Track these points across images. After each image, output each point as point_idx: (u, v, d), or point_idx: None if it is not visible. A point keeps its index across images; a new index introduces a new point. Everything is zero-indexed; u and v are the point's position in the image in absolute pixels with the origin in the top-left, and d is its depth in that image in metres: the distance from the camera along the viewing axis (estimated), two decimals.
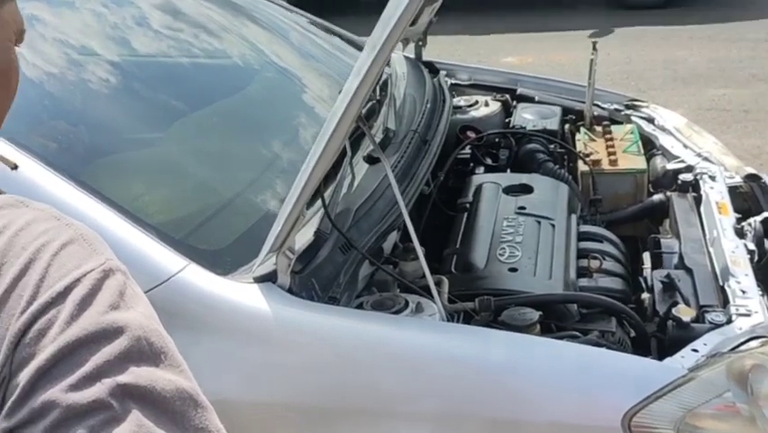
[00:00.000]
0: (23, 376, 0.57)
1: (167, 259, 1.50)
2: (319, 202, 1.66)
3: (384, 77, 2.21)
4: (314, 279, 1.57)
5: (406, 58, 2.54)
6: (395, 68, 2.39)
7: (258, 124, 2.24)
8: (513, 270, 1.82)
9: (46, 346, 0.58)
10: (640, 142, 2.42)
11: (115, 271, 0.63)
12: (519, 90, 2.64)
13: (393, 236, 1.85)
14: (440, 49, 2.68)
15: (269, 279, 1.51)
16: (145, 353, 0.59)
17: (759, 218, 2.01)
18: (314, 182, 1.46)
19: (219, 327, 1.50)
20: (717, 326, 1.60)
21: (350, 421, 1.46)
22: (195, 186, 1.90)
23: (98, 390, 0.57)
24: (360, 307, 1.61)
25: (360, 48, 2.63)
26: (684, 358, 1.46)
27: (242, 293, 1.50)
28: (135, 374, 0.58)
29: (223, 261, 1.57)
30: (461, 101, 2.56)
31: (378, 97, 2.08)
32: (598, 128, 2.50)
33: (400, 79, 2.35)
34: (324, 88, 2.51)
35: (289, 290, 1.52)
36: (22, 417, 0.56)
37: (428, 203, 2.12)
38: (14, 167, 1.14)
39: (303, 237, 1.60)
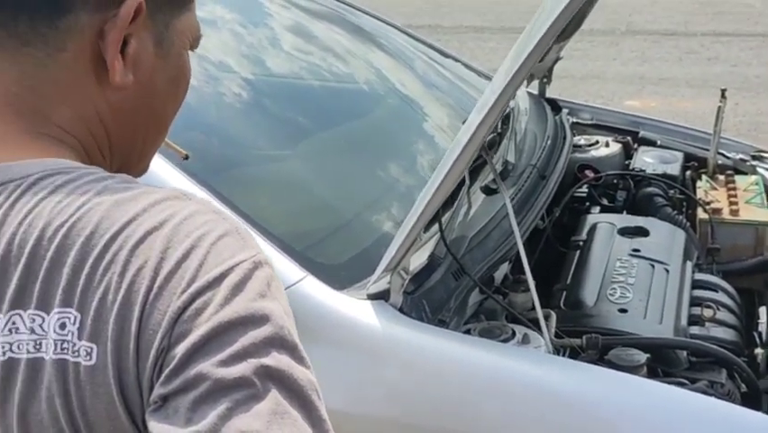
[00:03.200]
0: (180, 349, 0.64)
1: (287, 268, 1.57)
2: (435, 227, 1.70)
3: (507, 110, 2.25)
4: (425, 300, 1.61)
5: (530, 94, 2.57)
6: (518, 102, 2.42)
7: (379, 149, 2.30)
8: (623, 310, 1.81)
9: (201, 324, 0.64)
10: (764, 195, 2.37)
11: (264, 264, 0.69)
12: (641, 133, 2.62)
13: (504, 267, 1.88)
14: (561, 87, 2.70)
15: (381, 297, 1.56)
16: (285, 342, 0.65)
17: None
18: (433, 207, 1.51)
19: (331, 339, 1.55)
20: None
21: None
22: (317, 202, 1.98)
23: (244, 368, 0.63)
24: (467, 332, 1.64)
25: (483, 76, 2.68)
26: None
27: (355, 308, 1.55)
28: (276, 359, 0.64)
29: (339, 276, 1.63)
30: (581, 140, 2.56)
31: (499, 130, 2.12)
32: (721, 177, 2.46)
33: (522, 114, 2.38)
34: (444, 117, 2.56)
35: (401, 310, 1.56)
36: (176, 385, 0.63)
37: (541, 237, 2.13)
38: (186, 157, 1.22)
39: (417, 259, 1.65)
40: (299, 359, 0.66)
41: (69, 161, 0.75)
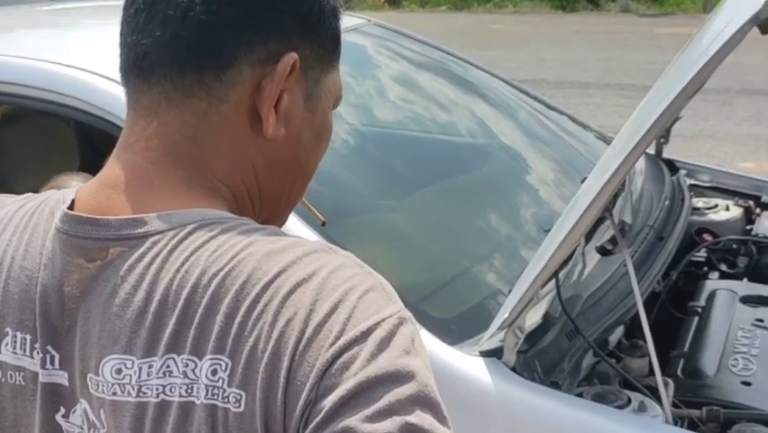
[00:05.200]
0: (327, 402, 0.64)
1: None
2: (548, 286, 1.67)
3: None
4: (537, 361, 1.57)
5: (646, 153, 2.51)
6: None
7: (485, 202, 2.29)
8: (746, 383, 1.73)
9: (349, 378, 0.64)
10: None
11: (408, 320, 0.69)
12: (764, 198, 2.53)
13: (619, 330, 1.82)
14: (672, 147, 2.63)
15: (494, 354, 1.53)
16: (429, 400, 0.65)
17: None
18: (552, 266, 1.48)
19: (442, 396, 1.53)
20: None
21: None
22: (428, 255, 1.97)
23: (390, 424, 0.63)
24: (580, 396, 1.59)
25: (589, 129, 2.64)
26: None
27: (467, 365, 1.53)
28: (420, 417, 0.63)
29: (450, 330, 1.61)
30: (699, 202, 2.49)
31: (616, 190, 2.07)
32: None
33: (638, 174, 2.33)
34: (549, 171, 2.54)
35: (513, 369, 1.53)
36: None
37: (656, 302, 2.07)
38: (323, 223, 1.25)
39: (532, 318, 1.61)
40: (442, 419, 0.66)
41: (223, 211, 0.77)
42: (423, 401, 0.64)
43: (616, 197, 2.10)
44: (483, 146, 2.65)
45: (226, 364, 0.67)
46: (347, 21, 2.63)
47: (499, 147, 2.64)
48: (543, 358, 1.58)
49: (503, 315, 1.51)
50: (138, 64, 0.77)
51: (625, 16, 11.50)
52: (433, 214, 2.18)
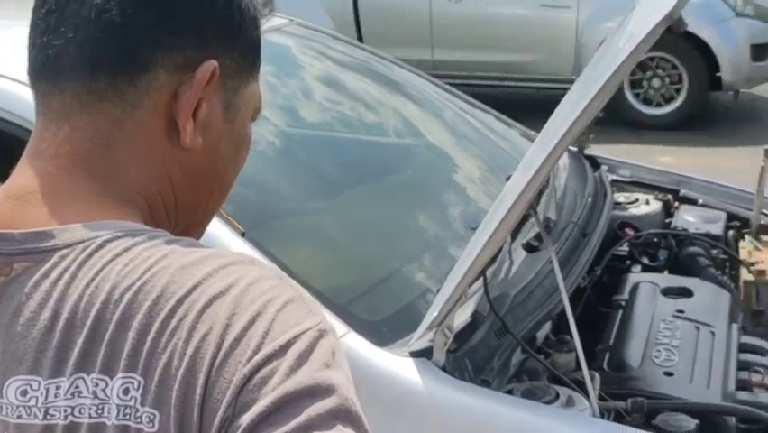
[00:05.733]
0: (245, 419, 0.62)
1: None
2: (476, 284, 1.68)
3: None
4: (467, 359, 1.58)
5: (569, 151, 2.55)
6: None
7: (416, 202, 2.29)
8: (668, 374, 1.77)
9: (267, 394, 0.63)
10: None
11: (328, 332, 0.68)
12: (682, 192, 2.60)
13: (546, 326, 1.84)
14: (597, 144, 2.68)
15: (424, 354, 1.54)
16: (350, 414, 0.64)
17: None
18: (479, 265, 1.49)
19: (371, 397, 1.51)
20: None
21: None
22: (356, 257, 1.97)
23: None
24: (510, 393, 1.60)
25: (512, 127, 2.68)
26: None
27: (397, 366, 1.53)
28: (341, 432, 0.62)
29: (380, 332, 1.61)
30: (620, 197, 2.54)
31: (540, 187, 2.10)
32: (765, 237, 2.42)
33: (561, 170, 2.36)
34: (475, 170, 2.56)
35: (443, 368, 1.53)
36: None
37: (582, 297, 2.10)
38: (243, 233, 1.22)
39: (460, 317, 1.62)
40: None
41: (136, 223, 0.74)
42: (344, 416, 0.63)
43: (540, 194, 2.13)
44: (410, 146, 2.66)
45: (139, 383, 0.65)
46: (269, 20, 2.61)
47: (426, 146, 2.65)
48: (472, 357, 1.59)
49: (432, 315, 1.52)
50: (48, 66, 0.75)
51: None
52: (361, 215, 2.17)
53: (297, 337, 0.65)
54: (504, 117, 2.81)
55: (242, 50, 0.79)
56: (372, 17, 6.82)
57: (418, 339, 1.54)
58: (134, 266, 0.69)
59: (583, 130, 2.52)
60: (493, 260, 1.79)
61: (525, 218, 1.85)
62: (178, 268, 0.68)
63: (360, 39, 6.53)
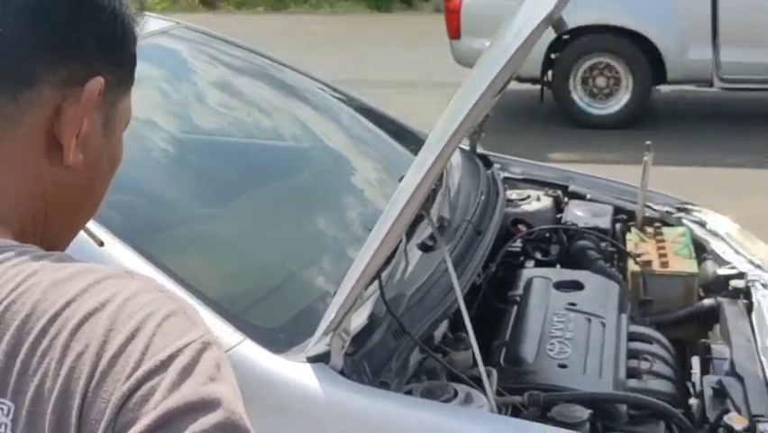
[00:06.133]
0: None
1: (223, 333, 1.52)
2: (372, 286, 1.68)
3: None
4: (366, 362, 1.58)
5: (461, 150, 2.58)
6: (450, 158, 2.44)
7: (313, 206, 2.28)
8: (562, 366, 1.81)
9: (148, 412, 0.60)
10: (692, 246, 2.42)
11: (213, 344, 0.66)
12: (571, 187, 2.67)
13: (444, 325, 1.86)
14: (490, 142, 2.73)
15: (322, 359, 1.53)
16: (237, 428, 0.62)
17: None
18: (373, 266, 1.49)
19: (270, 405, 1.50)
20: None
21: None
22: (252, 263, 1.94)
23: None
24: (409, 393, 1.61)
25: (412, 131, 2.70)
26: None
27: (294, 372, 1.51)
28: None
29: (277, 338, 1.59)
30: (513, 194, 2.59)
31: (434, 186, 2.12)
32: (650, 229, 2.51)
33: (455, 169, 2.39)
34: (372, 172, 2.57)
35: (341, 372, 1.53)
36: None
37: (477, 294, 2.13)
38: (101, 244, 1.19)
39: (357, 320, 1.62)
40: None
41: (5, 239, 0.71)
42: (231, 429, 0.61)
43: (435, 193, 2.15)
44: (306, 149, 2.64)
45: (9, 408, 0.62)
46: (154, 23, 2.56)
47: (322, 150, 2.64)
48: (371, 359, 1.59)
49: (328, 319, 1.51)
50: None
51: (439, 15, 11.84)
52: (257, 220, 2.15)
53: (179, 351, 0.63)
54: (399, 120, 2.82)
55: (123, 63, 0.78)
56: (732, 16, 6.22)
57: (315, 344, 1.53)
58: (1, 284, 0.65)
59: (473, 129, 2.57)
60: (389, 261, 1.79)
61: (420, 218, 1.87)
62: (49, 284, 0.65)
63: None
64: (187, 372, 0.62)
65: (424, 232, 1.93)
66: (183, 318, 0.66)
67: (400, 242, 1.84)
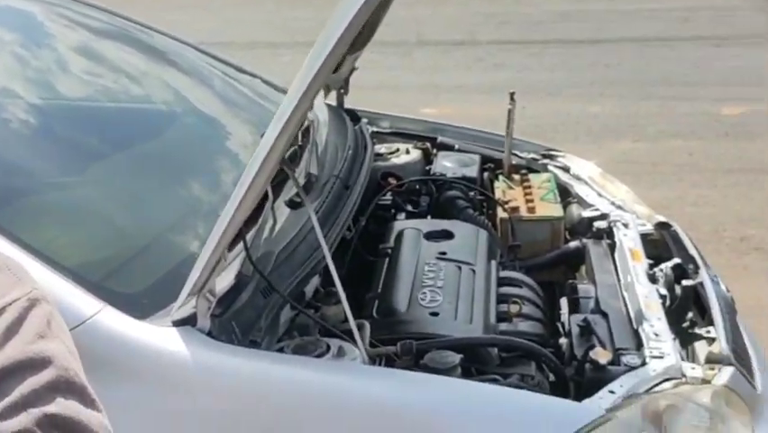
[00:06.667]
0: None
1: (81, 302, 1.46)
2: (240, 246, 1.65)
3: (306, 123, 2.23)
4: (234, 322, 1.55)
5: (328, 105, 2.56)
6: (317, 114, 2.41)
7: (178, 169, 2.22)
8: (434, 314, 1.83)
9: None
10: (557, 191, 2.48)
11: (41, 301, 0.62)
12: (439, 139, 2.68)
13: (315, 281, 1.85)
14: (358, 99, 2.72)
15: (188, 322, 1.49)
16: (72, 385, 0.59)
17: (670, 264, 2.08)
18: (235, 225, 1.45)
19: (136, 373, 1.46)
20: (632, 368, 1.64)
21: None
22: (113, 229, 1.87)
23: (24, 419, 0.56)
24: (281, 351, 1.59)
25: (281, 91, 2.65)
26: (602, 399, 1.49)
27: (160, 337, 1.47)
28: (62, 405, 0.58)
29: (140, 304, 1.54)
30: (382, 148, 2.58)
31: (300, 143, 2.08)
32: (516, 176, 2.56)
33: (322, 126, 2.36)
34: (245, 134, 2.51)
35: (209, 334, 1.49)
36: None
37: (349, 248, 2.12)
38: None
39: (223, 280, 1.58)
40: (89, 402, 0.60)
41: None
42: (64, 387, 0.59)
43: (302, 150, 2.12)
44: (171, 113, 2.56)
45: None
46: None
47: (188, 112, 2.56)
48: (239, 319, 1.56)
49: (192, 280, 1.47)
50: None
51: None
52: (118, 185, 2.06)
53: (3, 309, 0.60)
54: (271, 81, 2.76)
55: None
56: None
57: (180, 307, 1.49)
58: None
59: (339, 85, 2.54)
60: (256, 219, 1.76)
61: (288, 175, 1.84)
62: None
63: None
64: (12, 330, 0.59)
65: (292, 189, 1.91)
66: (6, 275, 0.63)
67: (267, 199, 1.81)
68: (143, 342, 1.46)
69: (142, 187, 2.07)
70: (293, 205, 1.86)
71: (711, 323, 1.84)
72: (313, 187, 1.95)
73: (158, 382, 1.46)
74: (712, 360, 1.69)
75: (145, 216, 1.94)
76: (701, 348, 1.81)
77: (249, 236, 1.68)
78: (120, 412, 1.42)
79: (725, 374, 1.62)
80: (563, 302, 2.11)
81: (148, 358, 1.46)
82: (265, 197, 1.78)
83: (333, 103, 2.60)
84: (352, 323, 1.56)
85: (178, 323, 1.48)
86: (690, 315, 2.00)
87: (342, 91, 2.57)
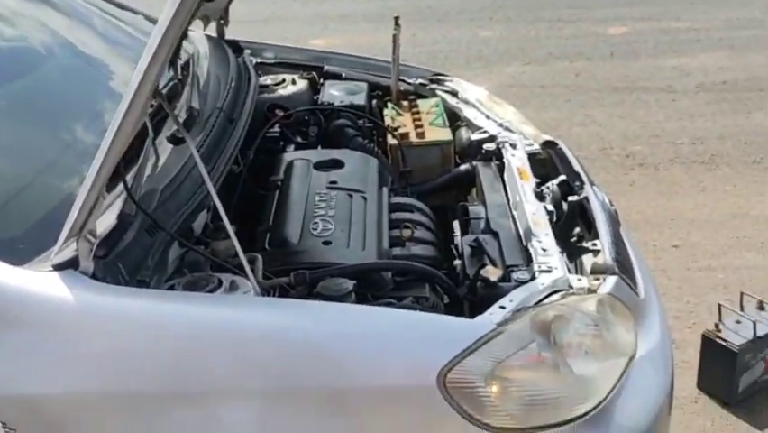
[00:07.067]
0: None
1: None
2: (121, 185, 1.59)
3: (186, 56, 2.15)
4: (120, 263, 1.50)
5: (208, 37, 2.48)
6: (197, 47, 2.33)
7: (55, 108, 2.11)
8: (327, 243, 1.82)
9: None
10: (445, 115, 2.49)
11: None
12: (326, 68, 2.64)
13: (203, 216, 1.81)
14: (245, 31, 2.64)
15: (70, 266, 1.43)
16: None
17: (556, 182, 2.13)
18: (111, 162, 1.39)
19: (19, 321, 1.40)
20: (521, 283, 1.67)
21: (173, 406, 1.42)
22: None
23: None
24: (171, 289, 1.56)
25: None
26: (493, 315, 1.52)
27: (40, 283, 1.41)
28: None
29: (18, 249, 1.48)
30: (267, 80, 2.53)
31: (180, 77, 2.01)
32: (405, 102, 2.55)
33: (203, 58, 2.29)
34: (127, 72, 2.41)
35: (94, 276, 1.44)
36: None
37: (239, 182, 2.08)
38: None
39: (106, 221, 1.53)
40: None
41: None
42: None
43: (182, 84, 2.05)
44: (50, 52, 2.42)
45: None
46: None
47: (68, 52, 2.43)
48: (125, 259, 1.52)
49: (70, 222, 1.41)
50: None
51: None
52: None
53: None
54: (154, 17, 2.65)
55: None
56: None
57: (60, 251, 1.43)
58: None
59: (219, 15, 2.46)
60: (137, 156, 1.70)
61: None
62: None
63: None
64: None
65: (174, 124, 1.85)
66: None
67: (147, 136, 1.75)
68: (23, 288, 1.40)
69: (16, 128, 1.97)
70: (175, 140, 1.81)
71: (597, 236, 1.89)
72: (195, 121, 1.90)
73: (42, 329, 1.41)
74: (597, 271, 1.74)
75: (20, 158, 1.84)
76: (588, 260, 1.86)
77: (130, 175, 1.62)
78: (9, 362, 1.39)
79: (609, 284, 1.67)
80: (455, 224, 2.13)
81: (32, 305, 1.41)
82: (146, 133, 1.72)
83: (214, 34, 2.52)
84: (242, 256, 1.53)
85: (60, 267, 1.43)
86: (576, 229, 2.06)
87: (221, 22, 2.50)
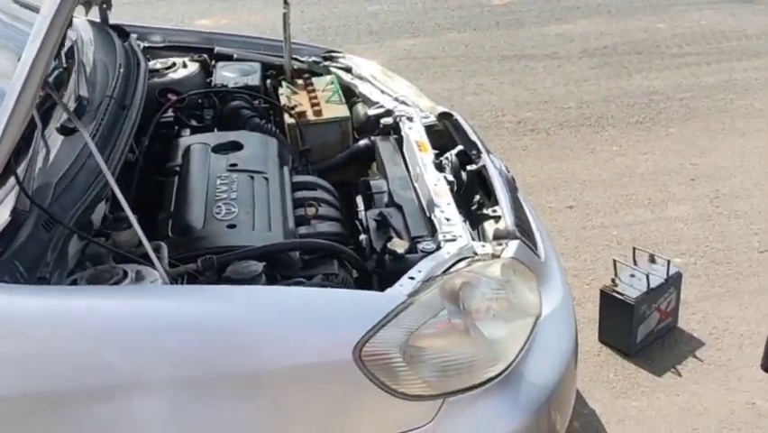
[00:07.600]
0: None
1: None
2: (12, 180, 1.53)
3: (69, 43, 2.08)
4: (17, 261, 1.45)
5: (91, 22, 2.40)
6: (80, 33, 2.25)
7: None
8: (231, 226, 1.81)
9: None
10: (341, 92, 2.49)
11: None
12: (217, 49, 2.60)
13: (102, 207, 1.76)
14: (126, 13, 2.57)
15: None
16: None
17: (454, 152, 2.16)
18: (1, 156, 1.34)
19: None
20: (428, 253, 1.70)
21: (82, 403, 1.38)
22: None
23: None
24: (74, 283, 1.52)
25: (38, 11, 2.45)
26: (403, 286, 1.54)
27: None
28: None
29: None
30: (157, 64, 2.47)
31: (65, 65, 1.95)
32: (300, 81, 2.54)
33: (87, 45, 2.22)
34: (5, 62, 2.31)
35: None
36: None
37: (135, 170, 2.04)
38: None
39: None
40: None
41: None
42: None
43: (68, 72, 1.98)
44: None
45: None
46: None
47: None
48: (22, 256, 1.46)
49: None
50: None
51: None
52: None
53: None
54: (26, 2, 2.53)
55: None
56: None
57: None
58: None
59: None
60: (26, 149, 1.64)
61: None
62: None
63: None
64: None
65: (63, 114, 1.79)
66: None
67: (36, 128, 1.69)
68: None
69: None
70: (65, 131, 1.75)
71: (496, 202, 1.94)
72: (86, 110, 1.85)
73: None
74: (499, 236, 1.78)
75: None
76: (490, 227, 1.91)
77: (20, 169, 1.56)
78: None
79: (511, 248, 1.72)
80: (359, 200, 2.14)
81: None
82: (34, 126, 1.66)
83: (97, 20, 2.44)
84: (147, 245, 1.50)
85: None
86: (476, 197, 2.10)
87: (104, 6, 2.42)
